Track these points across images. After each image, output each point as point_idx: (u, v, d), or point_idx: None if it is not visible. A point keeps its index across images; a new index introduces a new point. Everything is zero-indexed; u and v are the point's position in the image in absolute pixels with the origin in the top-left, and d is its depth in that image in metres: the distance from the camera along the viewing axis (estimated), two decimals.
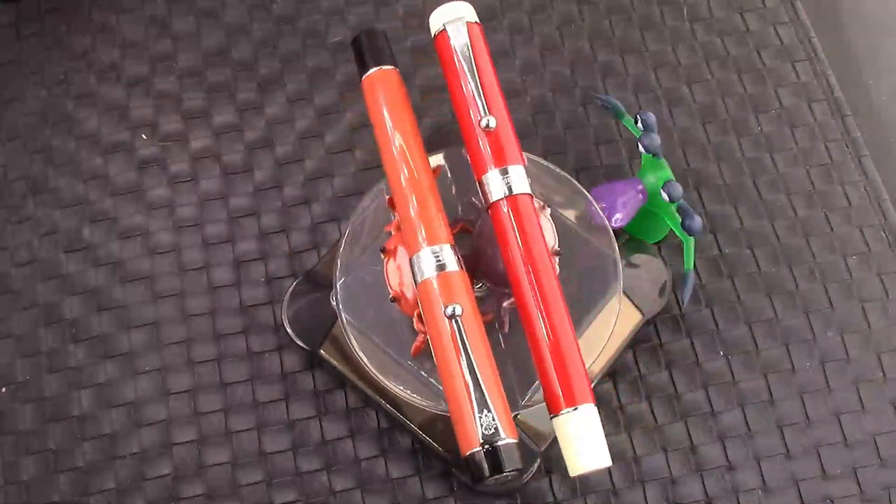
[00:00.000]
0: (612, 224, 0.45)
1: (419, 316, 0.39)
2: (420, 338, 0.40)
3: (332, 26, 0.56)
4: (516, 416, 0.45)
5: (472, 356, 0.36)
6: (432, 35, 0.42)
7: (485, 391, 0.35)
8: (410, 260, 0.38)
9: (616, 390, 0.48)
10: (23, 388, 0.49)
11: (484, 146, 0.39)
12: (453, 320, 0.36)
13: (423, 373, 0.42)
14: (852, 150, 0.53)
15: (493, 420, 0.34)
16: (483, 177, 0.39)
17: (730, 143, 0.53)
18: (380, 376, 0.41)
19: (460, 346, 0.36)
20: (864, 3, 0.63)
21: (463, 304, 0.37)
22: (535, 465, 0.45)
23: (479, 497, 0.46)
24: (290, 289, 0.48)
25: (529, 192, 0.39)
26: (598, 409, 0.47)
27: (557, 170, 0.45)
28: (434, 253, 0.37)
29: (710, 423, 0.47)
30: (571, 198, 0.45)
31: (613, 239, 0.43)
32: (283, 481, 0.47)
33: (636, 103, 0.54)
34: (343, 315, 0.42)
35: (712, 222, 0.52)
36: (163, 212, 0.52)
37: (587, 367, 0.41)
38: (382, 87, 0.41)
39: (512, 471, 0.34)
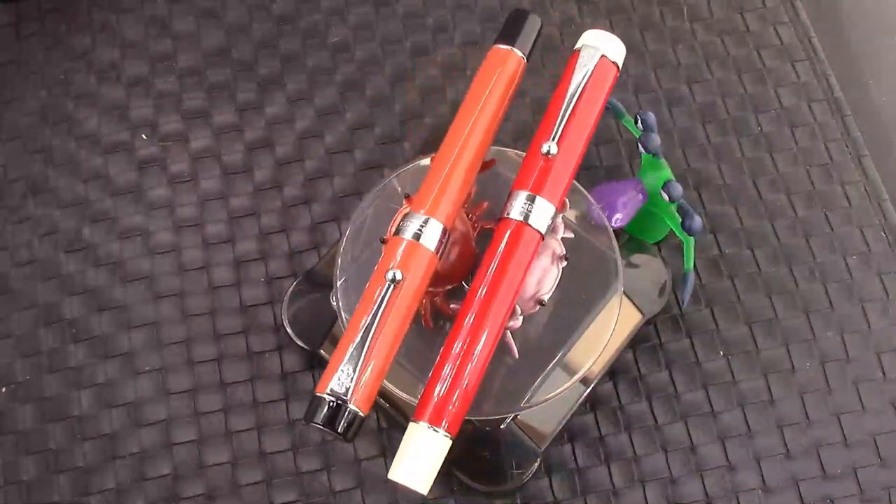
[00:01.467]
0: (612, 224, 0.45)
1: None
2: None
3: (332, 26, 0.56)
4: (515, 416, 0.45)
5: (377, 320, 0.35)
6: (574, 47, 0.41)
7: (363, 354, 0.35)
8: (405, 217, 0.38)
9: (616, 390, 0.48)
10: (23, 388, 0.49)
11: (533, 167, 0.38)
12: (389, 283, 0.36)
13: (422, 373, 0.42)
14: (852, 150, 0.53)
15: (351, 382, 0.34)
16: (513, 191, 0.39)
17: (730, 143, 0.53)
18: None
19: (375, 307, 0.35)
20: (864, 3, 0.63)
21: (411, 278, 0.36)
22: (536, 465, 0.45)
23: (479, 497, 0.46)
24: (290, 289, 0.48)
25: (542, 231, 0.38)
26: (598, 408, 0.48)
27: None
28: (422, 222, 0.37)
29: (710, 423, 0.47)
30: (571, 198, 0.45)
31: (613, 239, 0.43)
32: (283, 481, 0.47)
33: (636, 103, 0.54)
34: (343, 315, 0.42)
35: (712, 222, 0.52)
36: (163, 212, 0.52)
37: (587, 366, 0.41)
38: (501, 66, 0.40)
39: (339, 434, 0.34)
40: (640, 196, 0.47)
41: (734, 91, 0.55)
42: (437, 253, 0.37)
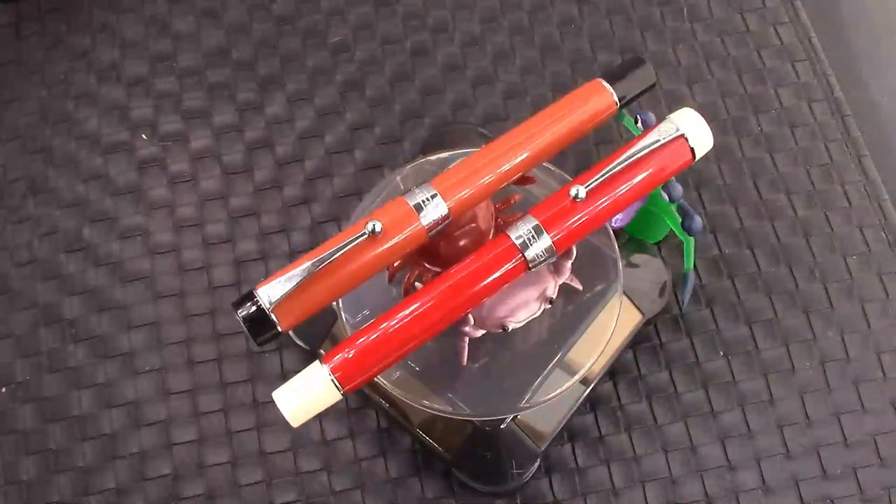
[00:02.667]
0: (612, 224, 0.45)
1: None
2: None
3: (332, 26, 0.56)
4: (515, 416, 0.45)
5: (335, 257, 0.35)
6: (665, 118, 0.38)
7: (305, 276, 0.34)
8: (422, 183, 0.38)
9: (616, 390, 0.48)
10: (23, 388, 0.49)
11: (556, 203, 0.37)
12: (366, 231, 0.36)
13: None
14: (852, 150, 0.53)
15: (282, 294, 0.34)
16: (526, 215, 0.37)
17: (730, 143, 0.53)
18: (379, 376, 0.41)
19: (341, 244, 0.35)
20: (864, 3, 0.63)
21: (389, 238, 0.36)
22: (536, 465, 0.45)
23: (479, 497, 0.46)
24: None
25: (531, 264, 0.37)
26: (598, 408, 0.48)
27: (557, 170, 0.45)
28: (430, 195, 0.37)
29: (710, 423, 0.47)
30: None
31: (613, 239, 0.43)
32: (283, 481, 0.47)
33: (636, 104, 0.54)
34: (343, 315, 0.42)
35: (712, 222, 0.52)
36: (163, 212, 0.52)
37: (587, 366, 0.41)
38: (592, 99, 0.39)
39: (250, 333, 0.34)
40: None
41: (734, 91, 0.55)
42: (429, 231, 0.37)
